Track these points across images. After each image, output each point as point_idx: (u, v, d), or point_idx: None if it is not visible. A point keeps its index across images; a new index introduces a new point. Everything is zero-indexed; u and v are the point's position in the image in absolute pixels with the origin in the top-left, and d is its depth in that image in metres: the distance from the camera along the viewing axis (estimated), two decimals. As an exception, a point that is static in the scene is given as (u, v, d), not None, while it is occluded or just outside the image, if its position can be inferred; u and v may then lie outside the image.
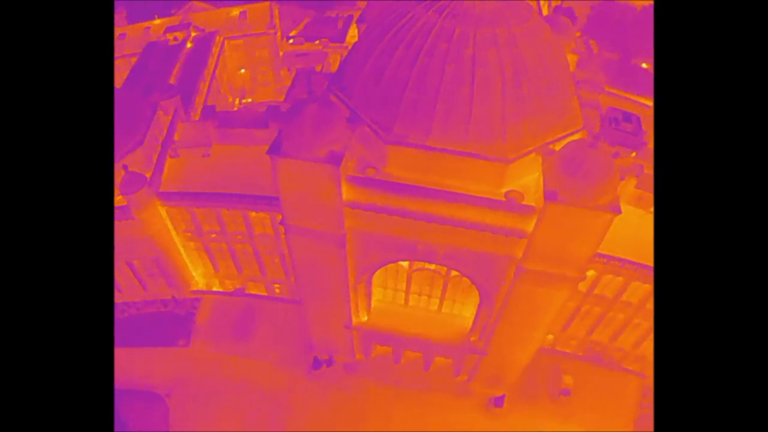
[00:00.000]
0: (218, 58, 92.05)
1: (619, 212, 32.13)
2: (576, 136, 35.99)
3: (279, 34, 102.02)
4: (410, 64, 33.63)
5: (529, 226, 34.39)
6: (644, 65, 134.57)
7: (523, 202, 34.73)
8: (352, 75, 37.70)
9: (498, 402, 52.51)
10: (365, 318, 48.09)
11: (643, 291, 49.64)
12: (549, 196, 31.91)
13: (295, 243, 40.37)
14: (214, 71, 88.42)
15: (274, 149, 33.69)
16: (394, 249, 39.22)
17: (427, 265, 43.00)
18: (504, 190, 35.23)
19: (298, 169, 33.94)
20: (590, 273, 47.74)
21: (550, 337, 57.30)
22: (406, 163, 35.01)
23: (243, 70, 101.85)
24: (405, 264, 43.45)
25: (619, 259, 47.53)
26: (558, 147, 34.51)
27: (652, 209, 51.12)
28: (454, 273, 42.68)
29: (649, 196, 51.30)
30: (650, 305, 50.00)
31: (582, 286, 49.55)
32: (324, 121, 33.06)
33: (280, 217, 39.64)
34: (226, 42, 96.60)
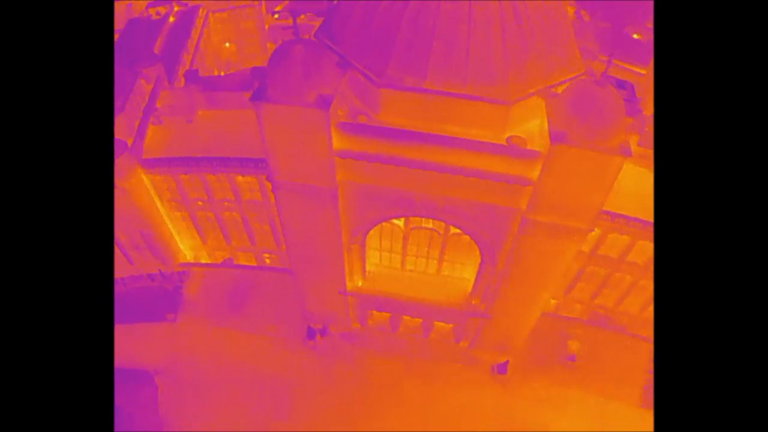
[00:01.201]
0: (202, 30, 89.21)
1: (631, 155, 30.10)
2: (580, 80, 33.76)
3: (264, 6, 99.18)
4: (403, 2, 31.27)
5: (534, 173, 32.11)
6: (635, 35, 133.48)
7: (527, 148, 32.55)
8: (341, 20, 35.27)
9: (501, 369, 50.54)
10: (360, 283, 45.84)
11: (649, 250, 47.75)
12: (556, 137, 29.66)
13: (284, 201, 37.93)
14: (198, 43, 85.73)
15: (258, 95, 31.25)
16: (390, 203, 36.84)
17: (424, 223, 40.79)
18: (506, 136, 33.03)
19: (284, 116, 31.55)
20: (594, 232, 45.72)
21: (554, 301, 55.40)
22: (401, 108, 32.66)
23: (228, 44, 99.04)
24: (401, 223, 41.19)
25: (625, 217, 45.65)
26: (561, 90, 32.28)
27: (655, 166, 49.14)
28: (453, 231, 40.46)
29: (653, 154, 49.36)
30: (657, 265, 48.02)
31: (586, 246, 47.69)
32: (312, 62, 30.68)
33: (267, 179, 37.39)
34: (210, 15, 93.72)
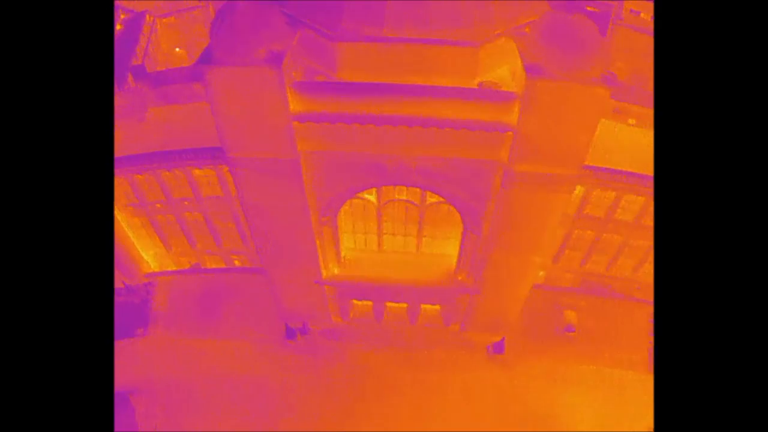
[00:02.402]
0: (150, 36, 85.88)
1: (614, 84, 27.81)
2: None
3: (212, 7, 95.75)
4: (351, -54, 28.58)
5: (512, 117, 29.37)
6: (589, 8, 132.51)
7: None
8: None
9: (498, 348, 47.76)
10: (336, 270, 42.70)
11: (637, 205, 45.42)
12: (531, 70, 27.09)
13: (243, 180, 34.66)
14: (147, 49, 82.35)
15: (204, 60, 28.29)
16: (359, 172, 33.83)
17: (398, 195, 37.86)
18: (476, 81, 30.36)
19: (233, 79, 28.56)
20: (577, 190, 43.26)
21: (542, 273, 52.75)
22: (361, 62, 29.87)
23: (178, 50, 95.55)
24: (373, 198, 38.19)
25: (608, 170, 43.19)
26: (531, 30, 29.73)
27: (630, 121, 47.47)
28: (430, 200, 37.62)
29: (628, 107, 47.54)
30: (647, 221, 45.69)
31: (570, 208, 45.16)
32: (258, 16, 27.91)
33: (227, 171, 34.32)
34: (157, 21, 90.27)
